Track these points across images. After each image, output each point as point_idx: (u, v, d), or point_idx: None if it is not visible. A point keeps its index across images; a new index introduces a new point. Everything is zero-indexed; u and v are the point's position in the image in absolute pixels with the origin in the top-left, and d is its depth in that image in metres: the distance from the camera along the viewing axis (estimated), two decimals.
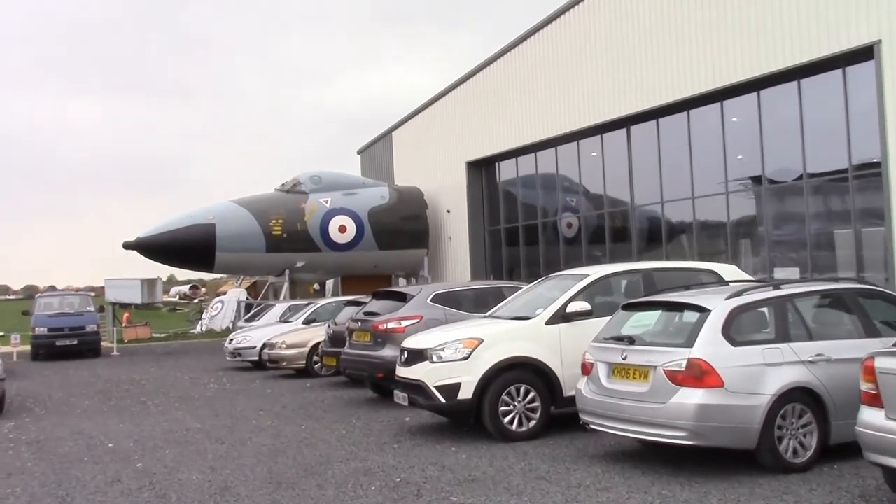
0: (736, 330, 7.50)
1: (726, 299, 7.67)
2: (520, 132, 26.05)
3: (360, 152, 37.96)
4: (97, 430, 11.96)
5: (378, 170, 34.59)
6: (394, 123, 34.28)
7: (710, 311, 7.56)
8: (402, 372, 10.13)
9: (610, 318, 8.87)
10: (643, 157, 22.39)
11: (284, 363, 18.08)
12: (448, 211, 29.96)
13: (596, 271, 10.29)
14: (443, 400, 9.50)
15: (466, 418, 9.68)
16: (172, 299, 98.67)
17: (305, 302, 23.49)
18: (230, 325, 37.37)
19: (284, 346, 18.03)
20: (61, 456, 10.11)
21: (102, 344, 27.59)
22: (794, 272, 18.00)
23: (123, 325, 34.04)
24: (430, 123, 31.13)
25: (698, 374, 7.23)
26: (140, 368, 22.07)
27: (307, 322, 20.58)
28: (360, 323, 13.20)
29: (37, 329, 26.17)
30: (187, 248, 26.89)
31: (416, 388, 9.77)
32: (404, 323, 12.55)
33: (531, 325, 9.74)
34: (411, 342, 10.29)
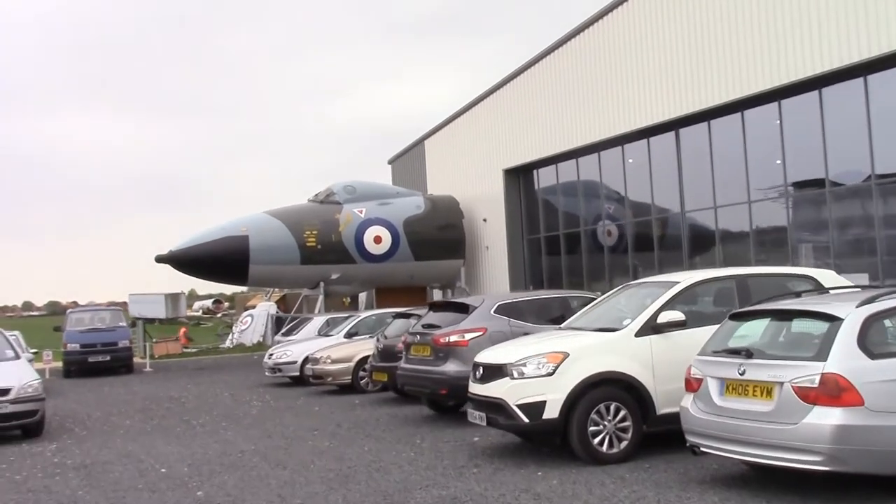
0: (872, 341, 6.69)
1: (858, 306, 6.87)
2: (559, 138, 25.31)
3: (390, 162, 37.33)
4: (145, 453, 11.27)
5: (410, 179, 33.92)
6: (426, 132, 33.64)
7: (841, 319, 6.76)
8: (478, 389, 9.37)
9: (715, 328, 8.06)
10: (693, 161, 21.57)
11: (329, 379, 17.36)
12: (485, 220, 29.23)
13: (685, 278, 9.50)
14: (526, 420, 8.73)
15: (552, 439, 8.89)
16: (195, 314, 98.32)
17: (345, 315, 22.81)
18: (261, 339, 36.87)
19: (329, 360, 17.31)
20: (112, 483, 9.42)
21: (134, 360, 27.05)
22: (862, 278, 17.09)
23: (182, 341, 33.75)
24: (465, 131, 30.45)
25: (835, 392, 6.43)
26: (176, 385, 21.44)
27: (349, 336, 19.89)
28: (418, 336, 12.47)
29: (69, 345, 25.64)
30: (220, 260, 26.28)
31: (495, 407, 9.00)
32: (467, 336, 11.82)
33: (619, 338, 8.96)
34: (487, 357, 9.53)
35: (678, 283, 9.38)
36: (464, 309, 12.33)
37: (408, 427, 12.17)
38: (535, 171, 27.95)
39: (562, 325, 10.43)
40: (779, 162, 19.04)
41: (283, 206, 28.37)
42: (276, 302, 39.48)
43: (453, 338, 11.83)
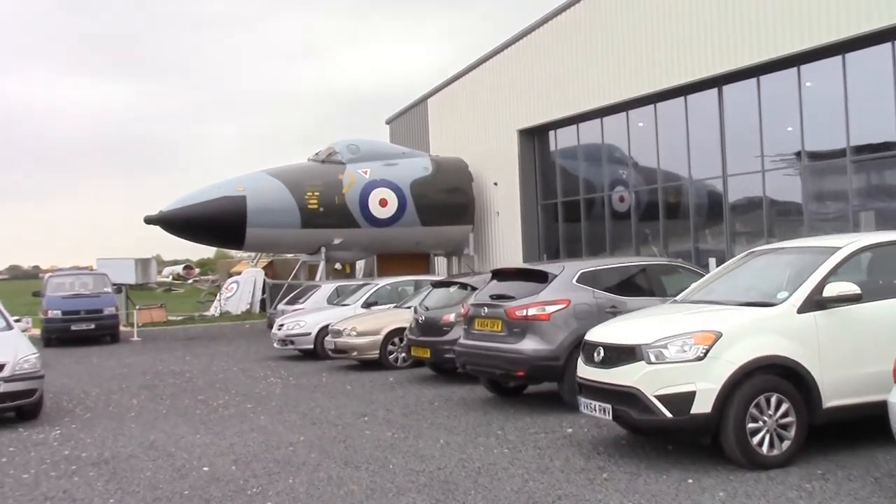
0: None
1: None
2: (582, 96, 23.58)
3: (388, 122, 35.32)
4: (172, 443, 9.51)
5: (410, 140, 31.95)
6: (429, 90, 31.68)
7: None
8: (597, 375, 7.71)
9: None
10: (736, 122, 20.00)
11: (354, 353, 15.64)
12: (496, 183, 27.46)
13: (849, 242, 7.85)
14: (669, 414, 7.09)
15: (702, 438, 7.27)
16: (165, 279, 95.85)
17: (357, 282, 21.06)
18: (248, 307, 35.01)
19: (355, 333, 15.58)
20: (149, 486, 7.66)
21: (120, 328, 25.12)
22: None
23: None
24: (475, 89, 28.57)
25: None
26: (173, 357, 19.62)
27: (367, 305, 18.19)
28: (485, 308, 10.76)
29: (50, 312, 23.65)
30: (215, 222, 24.29)
31: (625, 398, 7.35)
32: (549, 309, 10.15)
33: (779, 315, 7.32)
34: (607, 335, 7.86)
35: (841, 247, 7.74)
36: (539, 277, 10.63)
37: (474, 413, 10.51)
38: (552, 132, 26.20)
39: (677, 298, 8.77)
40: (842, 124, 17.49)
41: (281, 164, 26.38)
42: (264, 268, 37.58)
43: (532, 311, 10.15)
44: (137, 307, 30.15)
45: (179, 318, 32.45)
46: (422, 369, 14.90)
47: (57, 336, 23.48)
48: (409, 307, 16.21)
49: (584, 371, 7.96)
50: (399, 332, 15.51)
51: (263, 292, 35.75)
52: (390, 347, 15.56)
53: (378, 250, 27.53)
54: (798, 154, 18.55)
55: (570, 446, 8.38)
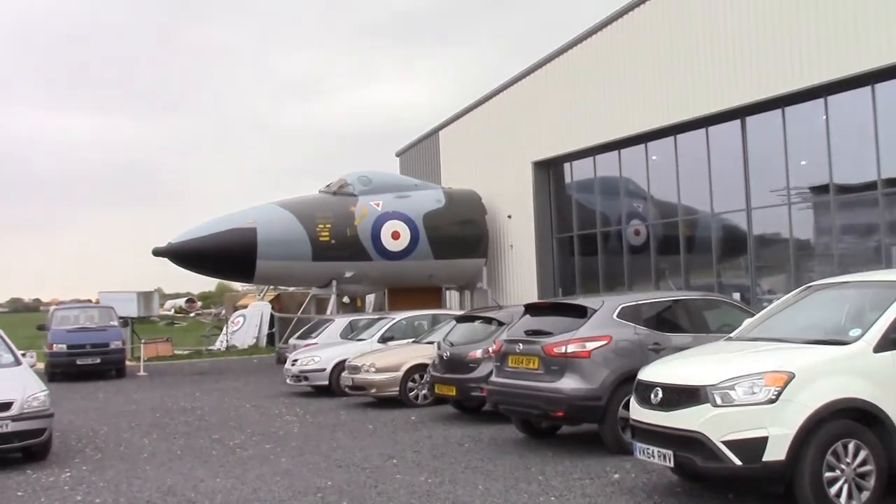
0: None
1: None
2: (598, 128, 23.20)
3: (399, 154, 35.00)
4: (191, 488, 8.94)
5: (421, 172, 31.58)
6: (441, 122, 31.39)
7: None
8: (656, 418, 7.16)
9: None
10: (761, 155, 19.58)
11: (373, 390, 15.07)
12: (509, 216, 27.02)
13: None
14: (738, 461, 6.54)
15: (774, 487, 6.71)
16: (167, 313, 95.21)
17: (372, 316, 20.52)
18: (254, 341, 34.41)
19: (374, 369, 15.02)
20: None
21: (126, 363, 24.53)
22: None
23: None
24: (488, 120, 28.23)
25: None
26: (181, 393, 19.02)
27: (383, 340, 17.65)
28: (520, 345, 10.22)
29: (55, 346, 23.09)
30: (225, 254, 23.81)
31: (689, 444, 6.81)
32: (589, 346, 9.62)
33: (854, 354, 6.81)
34: (667, 374, 7.33)
35: None
36: (578, 312, 10.10)
37: (509, 455, 9.93)
38: (567, 164, 25.80)
39: (732, 336, 8.24)
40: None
41: (292, 196, 25.96)
42: (270, 301, 37.02)
43: (572, 347, 9.61)
44: (143, 341, 29.57)
45: (185, 352, 31.86)
46: (444, 407, 14.32)
47: (62, 371, 22.90)
48: (428, 342, 15.73)
49: (640, 413, 7.42)
50: (419, 368, 14.98)
51: (271, 326, 35.21)
52: (410, 384, 14.99)
53: (389, 284, 27.02)
54: (825, 187, 18.09)
55: (620, 494, 7.81)
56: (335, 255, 24.84)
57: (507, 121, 27.13)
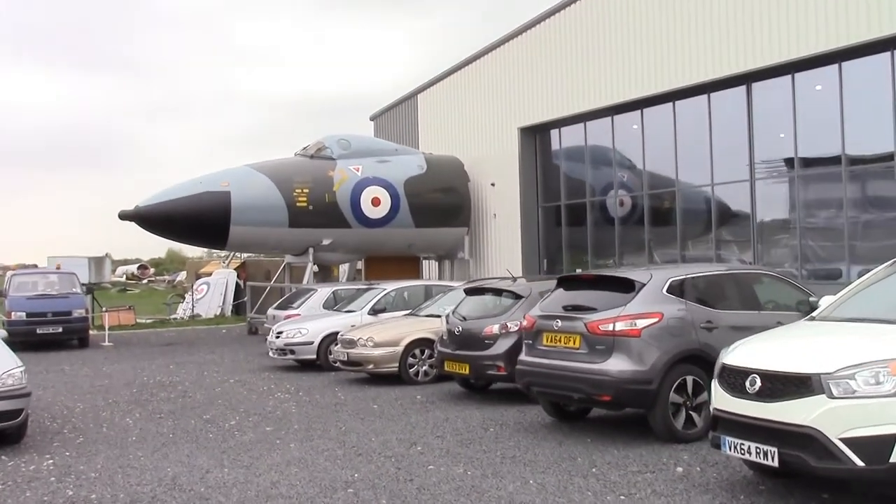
0: None
1: None
2: (591, 92, 22.30)
3: (373, 118, 33.68)
4: (198, 481, 7.88)
5: (397, 138, 30.37)
6: (420, 85, 30.16)
7: None
8: (752, 409, 6.28)
9: None
10: (766, 121, 18.84)
11: (370, 366, 14.05)
12: (493, 184, 26.02)
13: None
14: (860, 462, 5.69)
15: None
16: (119, 279, 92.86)
17: (359, 286, 19.45)
18: (219, 311, 33.09)
19: (371, 343, 13.99)
20: None
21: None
22: None
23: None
24: (471, 84, 27.10)
25: None
26: (154, 366, 17.82)
27: (374, 312, 16.64)
28: (558, 321, 9.27)
29: (13, 314, 21.64)
30: (197, 219, 22.47)
31: (798, 440, 5.93)
32: (640, 323, 8.70)
33: None
34: (768, 359, 6.42)
35: None
36: (623, 286, 9.18)
37: (546, 442, 9.01)
38: (555, 131, 24.86)
39: (815, 315, 7.39)
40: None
41: (266, 159, 24.65)
42: (236, 269, 35.67)
43: (620, 325, 8.69)
44: (104, 309, 28.13)
45: (149, 321, 30.46)
46: (448, 385, 13.42)
47: (21, 340, 21.31)
48: (430, 315, 14.77)
49: (729, 403, 6.53)
50: (420, 343, 14.06)
51: (236, 295, 33.92)
52: (411, 360, 14.02)
53: (367, 252, 25.92)
54: (836, 158, 17.44)
55: (697, 492, 6.94)
56: (313, 221, 23.66)
57: (493, 85, 26.06)
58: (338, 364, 14.99)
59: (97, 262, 77.42)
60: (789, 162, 18.34)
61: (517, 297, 11.85)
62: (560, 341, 9.22)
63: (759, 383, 6.25)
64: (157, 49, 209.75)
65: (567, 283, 9.95)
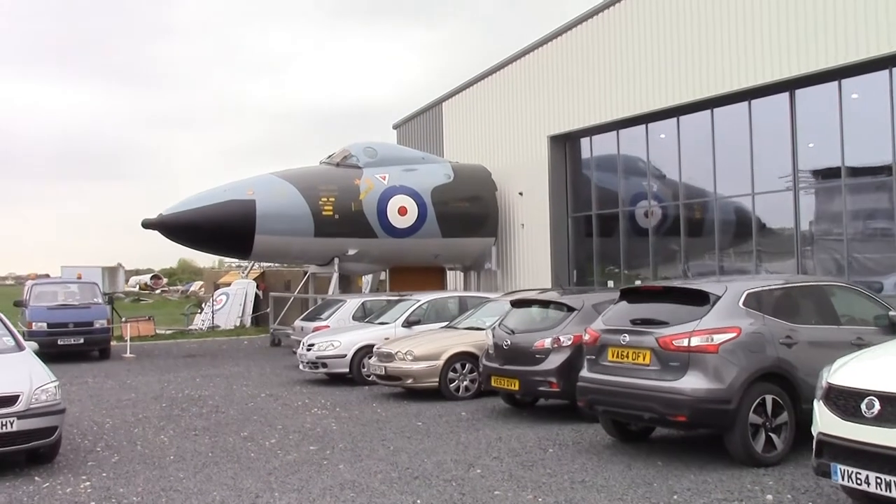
0: None
1: None
2: (623, 100, 21.74)
3: (396, 126, 33.22)
4: None
5: (421, 146, 29.82)
6: (444, 93, 29.69)
7: None
8: (874, 436, 5.70)
9: None
10: (813, 127, 18.25)
11: (409, 381, 13.50)
12: (521, 193, 25.48)
13: None
14: None
15: None
16: (132, 289, 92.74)
17: (392, 297, 18.93)
18: (238, 321, 32.63)
19: (410, 357, 13.45)
20: None
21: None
22: None
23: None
24: (498, 92, 26.60)
25: None
26: (179, 378, 17.33)
27: (408, 324, 16.12)
28: (625, 335, 8.71)
29: (34, 324, 21.17)
30: (221, 228, 21.96)
31: None
32: (717, 338, 8.14)
33: None
34: (882, 379, 5.86)
35: None
36: (696, 298, 8.62)
37: (613, 465, 8.45)
38: (585, 140, 24.29)
39: None
40: None
41: (291, 168, 24.17)
42: (255, 279, 35.24)
43: (697, 340, 8.14)
44: (124, 319, 27.69)
45: (168, 331, 30.01)
46: (490, 400, 12.90)
47: (42, 351, 20.76)
48: (469, 328, 14.25)
49: (840, 427, 5.96)
50: (461, 356, 13.53)
51: (256, 307, 33.47)
52: (451, 374, 13.46)
53: (392, 263, 25.37)
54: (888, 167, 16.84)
55: None
56: (338, 231, 23.15)
57: (522, 93, 25.55)
58: (372, 378, 14.48)
59: (111, 272, 77.23)
60: (835, 171, 17.72)
61: (569, 309, 11.31)
62: (628, 357, 8.66)
63: (877, 406, 5.68)
64: (170, 60, 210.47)
65: (631, 295, 9.40)
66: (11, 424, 8.55)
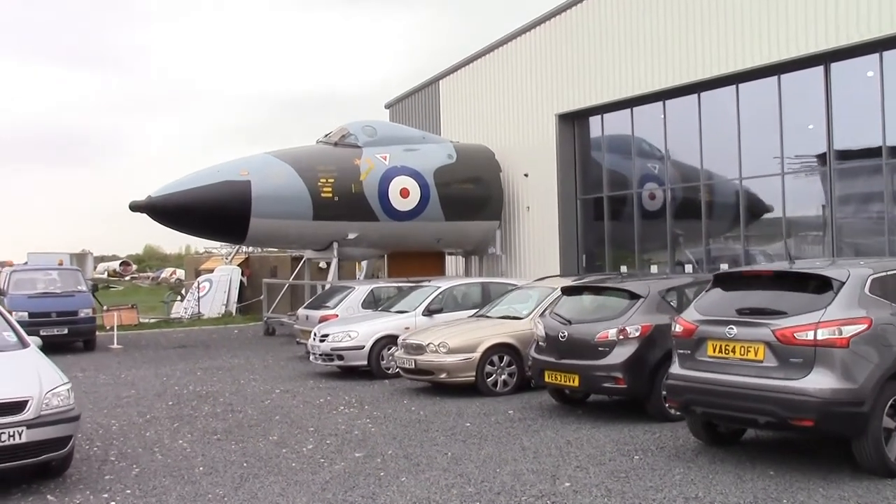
0: None
1: None
2: (639, 75, 20.69)
3: (388, 106, 31.87)
4: None
5: (416, 126, 28.55)
6: (442, 70, 28.40)
7: None
8: None
9: None
10: (844, 104, 17.30)
11: (443, 375, 12.33)
12: (526, 175, 24.34)
13: None
14: None
15: None
16: (101, 276, 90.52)
17: (407, 282, 17.75)
18: (223, 309, 31.23)
19: (444, 349, 12.28)
20: None
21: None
22: None
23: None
24: (501, 69, 25.39)
25: None
26: (178, 372, 16.07)
27: (429, 312, 14.96)
28: (731, 327, 7.62)
29: (14, 314, 19.56)
30: (215, 211, 20.56)
31: None
32: (846, 331, 7.06)
33: None
34: None
35: None
36: (812, 285, 7.54)
37: (720, 476, 7.39)
38: (596, 118, 23.19)
39: None
40: None
41: (287, 147, 22.83)
42: (240, 265, 33.85)
43: (823, 333, 7.06)
44: (106, 308, 26.24)
45: (152, 320, 28.56)
46: (534, 396, 11.85)
47: None
48: (505, 317, 13.12)
49: None
50: (499, 348, 12.40)
51: (241, 294, 32.11)
52: (488, 368, 12.33)
53: (392, 247, 24.13)
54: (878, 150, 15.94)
55: None
56: (338, 213, 21.87)
57: (527, 69, 24.37)
58: (398, 371, 13.33)
59: (79, 259, 74.71)
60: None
61: (633, 296, 10.21)
62: (734, 352, 7.57)
63: None
64: (137, 44, 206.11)
65: (727, 281, 8.29)
66: (20, 435, 7.29)
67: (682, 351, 8.09)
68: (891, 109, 16.37)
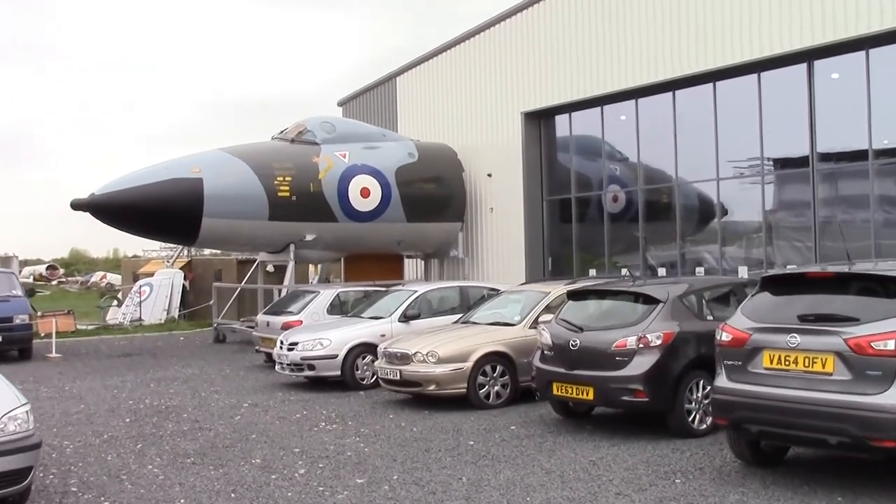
0: None
1: None
2: (609, 73, 20.00)
3: (341, 104, 30.64)
4: None
5: (373, 125, 27.47)
6: (399, 67, 27.36)
7: None
8: None
9: None
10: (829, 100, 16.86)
11: (432, 387, 11.34)
12: (489, 175, 23.46)
13: None
14: None
15: None
16: (27, 280, 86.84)
17: (379, 286, 16.71)
18: (164, 315, 29.67)
19: (433, 359, 11.29)
20: None
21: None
22: None
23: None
24: (463, 65, 24.45)
25: None
26: (129, 384, 14.77)
27: (406, 318, 13.96)
28: (794, 335, 6.80)
29: None
30: (163, 210, 19.15)
31: None
32: None
33: None
34: None
35: None
36: (877, 288, 6.77)
37: (781, 501, 6.54)
38: (565, 116, 22.42)
39: None
40: None
41: (241, 143, 21.53)
42: (182, 268, 32.28)
43: None
44: (41, 314, 24.53)
45: (90, 327, 26.88)
46: (532, 408, 10.98)
47: None
48: (493, 323, 12.20)
49: None
50: (492, 357, 11.46)
51: (183, 299, 30.60)
52: (480, 379, 11.38)
53: (350, 249, 22.96)
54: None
55: None
56: (295, 214, 20.65)
57: (491, 66, 23.49)
58: (374, 382, 12.31)
59: (4, 263, 71.54)
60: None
61: (652, 301, 9.37)
62: (796, 363, 6.76)
63: None
64: (66, 43, 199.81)
65: (778, 284, 7.48)
66: None
67: (729, 362, 7.25)
68: (877, 110, 15.96)
